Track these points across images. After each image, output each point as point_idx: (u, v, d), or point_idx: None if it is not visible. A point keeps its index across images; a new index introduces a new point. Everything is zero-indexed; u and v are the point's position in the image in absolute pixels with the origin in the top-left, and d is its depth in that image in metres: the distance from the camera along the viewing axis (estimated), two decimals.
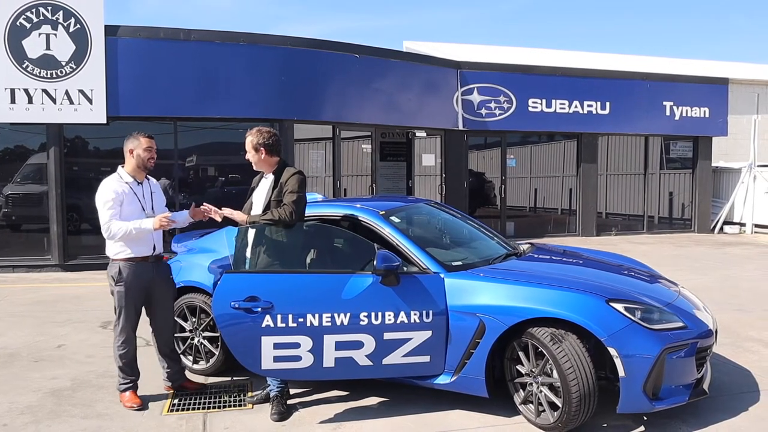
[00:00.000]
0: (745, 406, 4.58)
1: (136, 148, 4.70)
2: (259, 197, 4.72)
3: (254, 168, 4.81)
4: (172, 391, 4.97)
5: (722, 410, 4.50)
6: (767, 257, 12.29)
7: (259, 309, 4.23)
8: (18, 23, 10.47)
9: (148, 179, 4.89)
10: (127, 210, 4.61)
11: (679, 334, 4.16)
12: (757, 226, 16.55)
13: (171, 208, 11.39)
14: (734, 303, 7.92)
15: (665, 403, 4.09)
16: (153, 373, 5.42)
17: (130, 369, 4.78)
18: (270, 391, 4.61)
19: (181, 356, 5.48)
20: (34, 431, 4.32)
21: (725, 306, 7.63)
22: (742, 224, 16.85)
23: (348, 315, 4.26)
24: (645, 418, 4.33)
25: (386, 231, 4.82)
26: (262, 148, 4.64)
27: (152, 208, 4.80)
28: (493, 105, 14.69)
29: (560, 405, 4.05)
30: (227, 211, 4.69)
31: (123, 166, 4.77)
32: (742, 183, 16.82)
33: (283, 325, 4.23)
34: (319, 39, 12.28)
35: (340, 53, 12.38)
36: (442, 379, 4.44)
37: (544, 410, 4.20)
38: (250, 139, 4.67)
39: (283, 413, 4.50)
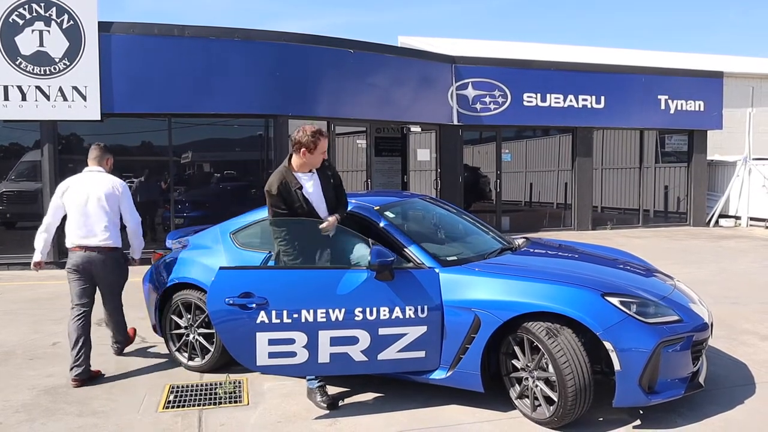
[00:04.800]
0: (740, 399, 4.59)
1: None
2: (318, 195, 4.65)
3: (313, 163, 4.63)
4: (168, 388, 4.95)
5: (718, 403, 4.51)
6: (762, 250, 12.32)
7: (254, 305, 4.23)
8: (11, 20, 10.41)
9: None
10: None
11: (674, 328, 4.16)
12: (752, 219, 16.58)
13: (165, 204, 11.29)
14: (730, 296, 7.93)
15: (661, 397, 4.10)
16: (147, 370, 5.42)
17: None
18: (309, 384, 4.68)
19: (177, 353, 5.49)
20: (29, 429, 4.31)
21: (721, 299, 7.64)
22: (737, 217, 16.88)
23: (343, 311, 4.26)
24: (641, 412, 4.33)
25: (381, 226, 4.81)
26: None
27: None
28: (487, 99, 14.67)
29: (556, 399, 4.05)
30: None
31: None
32: (737, 176, 16.84)
33: (278, 321, 4.22)
34: (313, 34, 12.25)
35: (334, 48, 12.35)
36: (438, 375, 4.43)
37: (540, 405, 4.20)
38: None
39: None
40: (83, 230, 5.22)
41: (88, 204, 5.24)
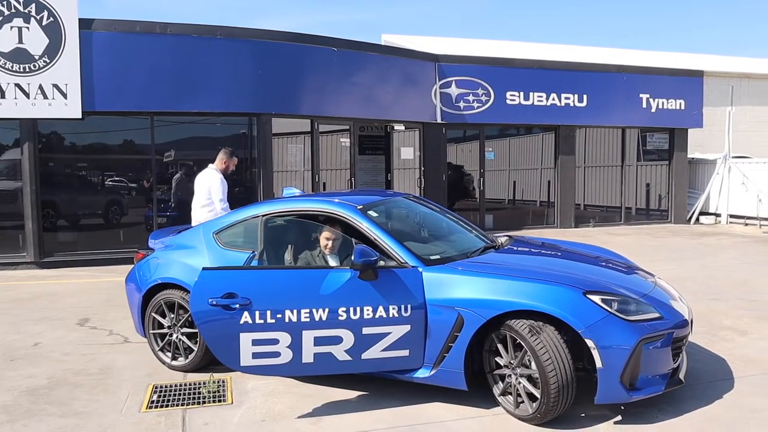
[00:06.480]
0: (719, 394, 4.65)
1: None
2: None
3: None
4: (151, 388, 4.94)
5: (698, 398, 4.57)
6: (742, 247, 12.47)
7: (237, 305, 4.21)
8: None
9: None
10: None
11: (655, 325, 4.21)
12: (732, 216, 16.77)
13: (148, 203, 11.20)
14: (710, 292, 8.03)
15: (642, 393, 4.15)
16: (130, 369, 5.40)
17: None
18: None
19: (160, 353, 5.46)
20: (10, 430, 4.27)
21: (701, 295, 7.73)
22: (717, 215, 17.07)
23: (326, 310, 4.26)
24: (622, 408, 4.38)
25: (364, 225, 4.80)
26: None
27: None
28: (471, 98, 14.71)
29: (539, 396, 4.08)
30: None
31: None
32: (717, 174, 17.02)
33: (262, 321, 4.22)
34: (296, 32, 12.20)
35: (318, 47, 12.32)
36: (422, 373, 4.45)
37: (522, 401, 4.23)
38: None
39: None
40: (193, 207, 7.37)
41: (196, 191, 7.36)
